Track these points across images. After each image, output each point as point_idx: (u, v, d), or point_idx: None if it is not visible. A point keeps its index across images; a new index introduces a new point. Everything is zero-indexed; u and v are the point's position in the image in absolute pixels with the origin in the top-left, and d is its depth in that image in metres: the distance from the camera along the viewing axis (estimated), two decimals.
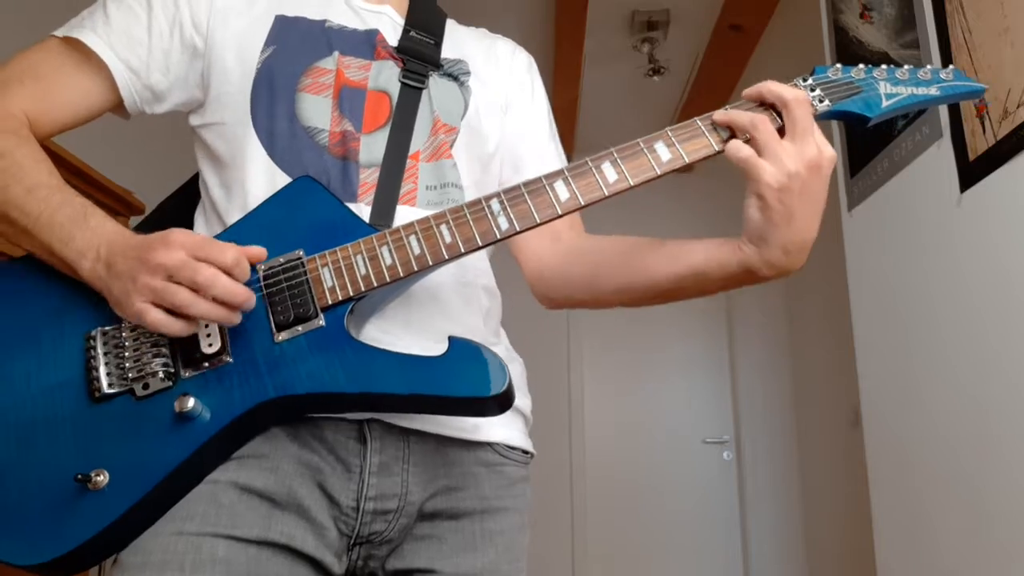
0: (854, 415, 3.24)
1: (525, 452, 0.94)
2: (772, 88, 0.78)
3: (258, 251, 0.76)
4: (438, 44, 0.98)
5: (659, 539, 4.45)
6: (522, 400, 0.94)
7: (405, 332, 0.84)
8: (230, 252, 0.72)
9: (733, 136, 0.79)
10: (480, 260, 0.97)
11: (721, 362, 4.74)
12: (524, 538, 0.91)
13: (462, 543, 0.85)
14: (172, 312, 0.72)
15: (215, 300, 0.71)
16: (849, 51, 2.35)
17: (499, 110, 1.01)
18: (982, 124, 1.69)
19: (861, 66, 0.85)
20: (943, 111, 1.86)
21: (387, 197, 0.86)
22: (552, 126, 1.08)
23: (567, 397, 4.62)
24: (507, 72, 1.05)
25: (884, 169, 2.15)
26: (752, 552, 4.42)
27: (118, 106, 0.90)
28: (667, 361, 4.72)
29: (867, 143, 2.25)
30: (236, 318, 0.73)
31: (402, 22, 0.98)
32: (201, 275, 0.70)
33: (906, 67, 0.85)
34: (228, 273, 0.72)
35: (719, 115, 0.79)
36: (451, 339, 0.76)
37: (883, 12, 2.15)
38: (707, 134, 0.79)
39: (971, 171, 1.74)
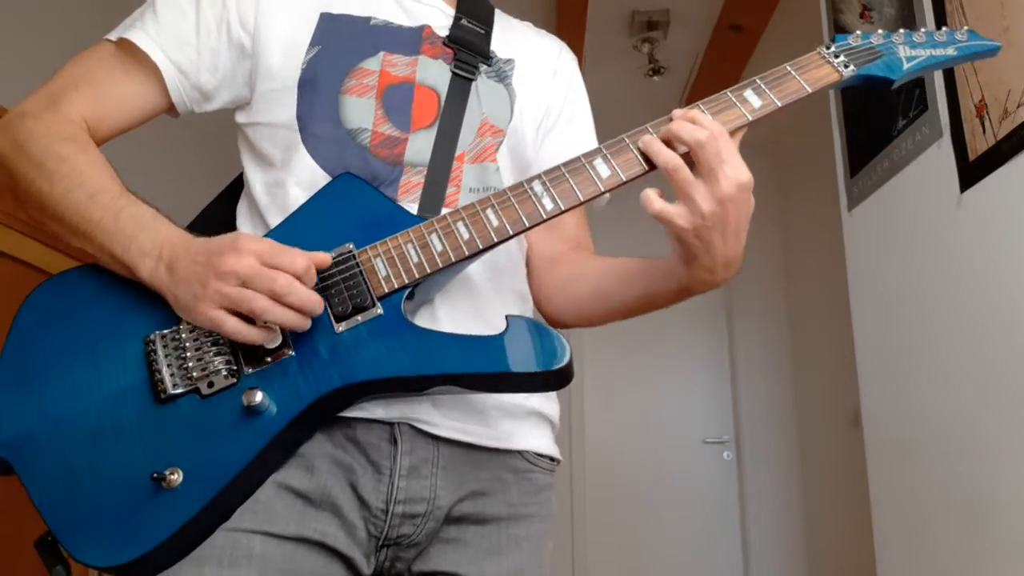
0: (854, 415, 3.24)
1: (552, 459, 0.94)
2: (676, 132, 0.77)
3: (324, 257, 0.77)
4: (488, 34, 0.98)
5: (659, 539, 4.45)
6: (551, 405, 0.95)
7: (458, 321, 0.85)
8: (300, 260, 0.73)
9: None
10: (516, 265, 0.97)
11: (721, 362, 4.74)
12: (548, 544, 0.92)
13: (488, 548, 0.85)
14: (245, 318, 0.73)
15: (288, 306, 0.72)
16: None
17: (540, 115, 1.01)
18: (982, 124, 1.69)
19: (880, 31, 0.88)
20: (943, 111, 1.86)
21: (433, 198, 0.86)
22: (593, 132, 1.09)
23: (567, 397, 4.61)
24: (551, 74, 1.05)
25: (884, 169, 2.15)
26: (752, 552, 4.41)
27: (169, 107, 0.90)
28: (667, 361, 4.72)
29: (867, 143, 2.24)
30: (307, 323, 0.74)
31: (452, 12, 0.98)
32: (278, 283, 0.71)
33: (922, 30, 0.89)
34: (299, 280, 0.73)
35: (646, 140, 0.79)
36: (508, 318, 0.78)
37: (883, 12, 2.15)
38: (739, 105, 0.81)
39: (971, 171, 1.74)
